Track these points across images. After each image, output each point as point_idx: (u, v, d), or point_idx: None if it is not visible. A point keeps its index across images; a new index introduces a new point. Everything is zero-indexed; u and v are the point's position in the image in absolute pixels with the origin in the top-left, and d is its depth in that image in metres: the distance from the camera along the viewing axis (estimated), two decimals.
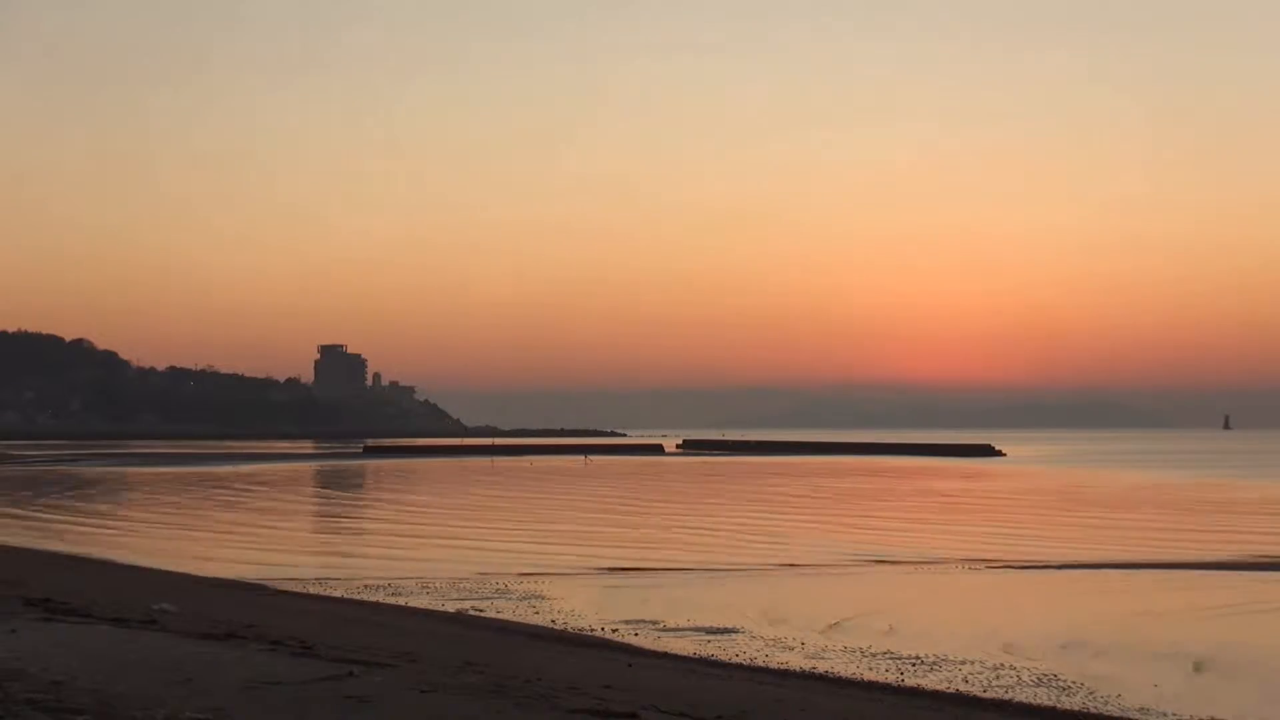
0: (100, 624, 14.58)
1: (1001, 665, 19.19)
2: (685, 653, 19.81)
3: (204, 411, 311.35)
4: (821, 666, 18.95)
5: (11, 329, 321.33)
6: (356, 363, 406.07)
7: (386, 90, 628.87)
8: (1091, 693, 17.36)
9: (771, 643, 21.03)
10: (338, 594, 26.33)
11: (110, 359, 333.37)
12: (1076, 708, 16.45)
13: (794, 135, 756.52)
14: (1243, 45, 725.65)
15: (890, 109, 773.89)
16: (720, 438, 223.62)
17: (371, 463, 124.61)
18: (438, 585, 28.25)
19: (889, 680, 17.98)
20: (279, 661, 12.36)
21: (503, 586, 28.10)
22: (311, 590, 26.98)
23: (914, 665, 19.19)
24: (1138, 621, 24.11)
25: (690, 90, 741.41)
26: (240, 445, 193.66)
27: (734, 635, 21.76)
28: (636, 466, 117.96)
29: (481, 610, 24.19)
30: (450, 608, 24.48)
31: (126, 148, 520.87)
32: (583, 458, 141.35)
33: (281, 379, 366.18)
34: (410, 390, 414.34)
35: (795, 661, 19.38)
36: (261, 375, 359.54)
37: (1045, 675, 18.46)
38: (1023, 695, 17.14)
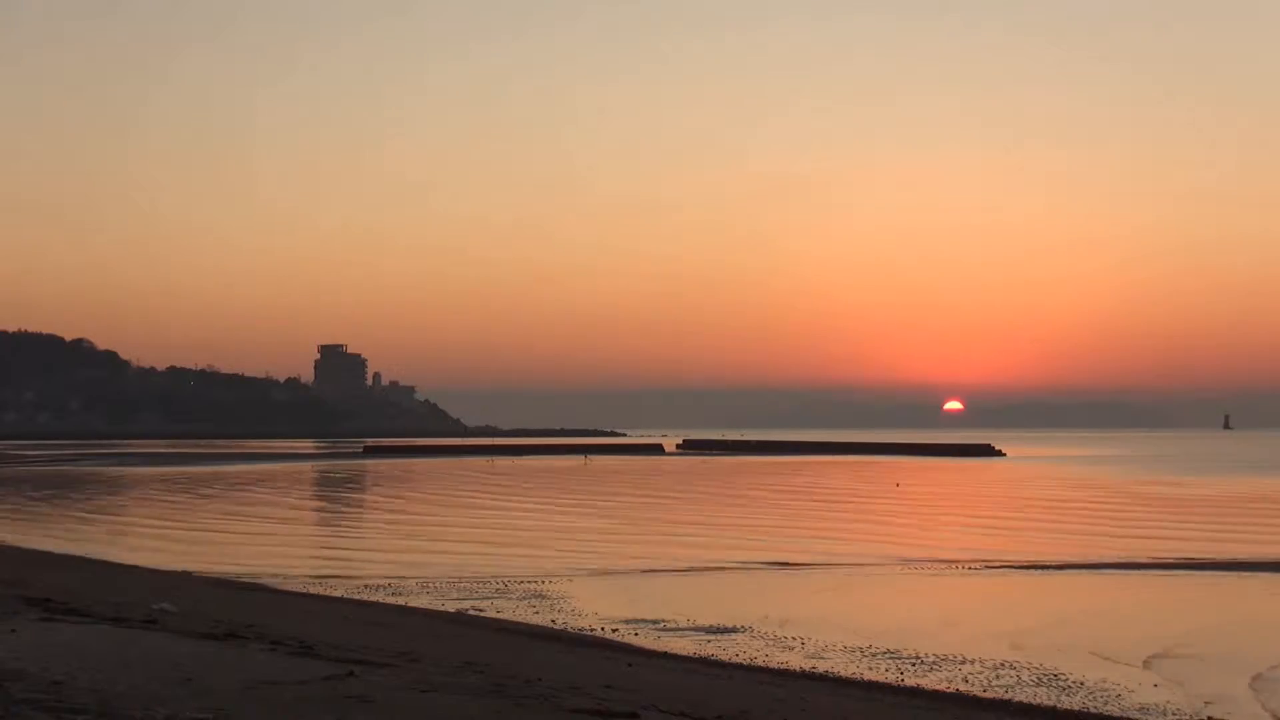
0: (100, 624, 14.58)
1: (1002, 665, 19.21)
2: (685, 652, 19.82)
3: (204, 411, 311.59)
4: (821, 666, 18.97)
5: (11, 329, 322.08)
6: (356, 363, 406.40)
7: (386, 90, 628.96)
8: (1091, 693, 17.38)
9: (772, 642, 21.05)
10: (338, 594, 26.34)
11: (110, 359, 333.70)
12: (1076, 708, 16.46)
13: (790, 136, 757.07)
14: (1224, 34, 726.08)
15: (886, 108, 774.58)
16: (720, 438, 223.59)
17: (371, 462, 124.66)
18: (438, 585, 28.27)
19: (889, 680, 17.99)
20: (279, 661, 12.36)
21: (503, 586, 28.11)
22: (311, 590, 26.99)
23: (914, 665, 19.20)
24: (1136, 621, 24.11)
25: (707, 90, 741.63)
26: (240, 445, 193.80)
27: (734, 635, 21.77)
28: (636, 466, 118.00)
29: (481, 610, 24.21)
30: (450, 608, 24.50)
31: (126, 148, 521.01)
32: (583, 457, 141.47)
33: (281, 379, 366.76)
34: (410, 390, 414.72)
35: (795, 661, 19.39)
36: (261, 375, 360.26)
37: (1045, 675, 18.48)
38: (1023, 695, 17.15)
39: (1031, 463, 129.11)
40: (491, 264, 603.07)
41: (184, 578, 28.02)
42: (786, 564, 33.68)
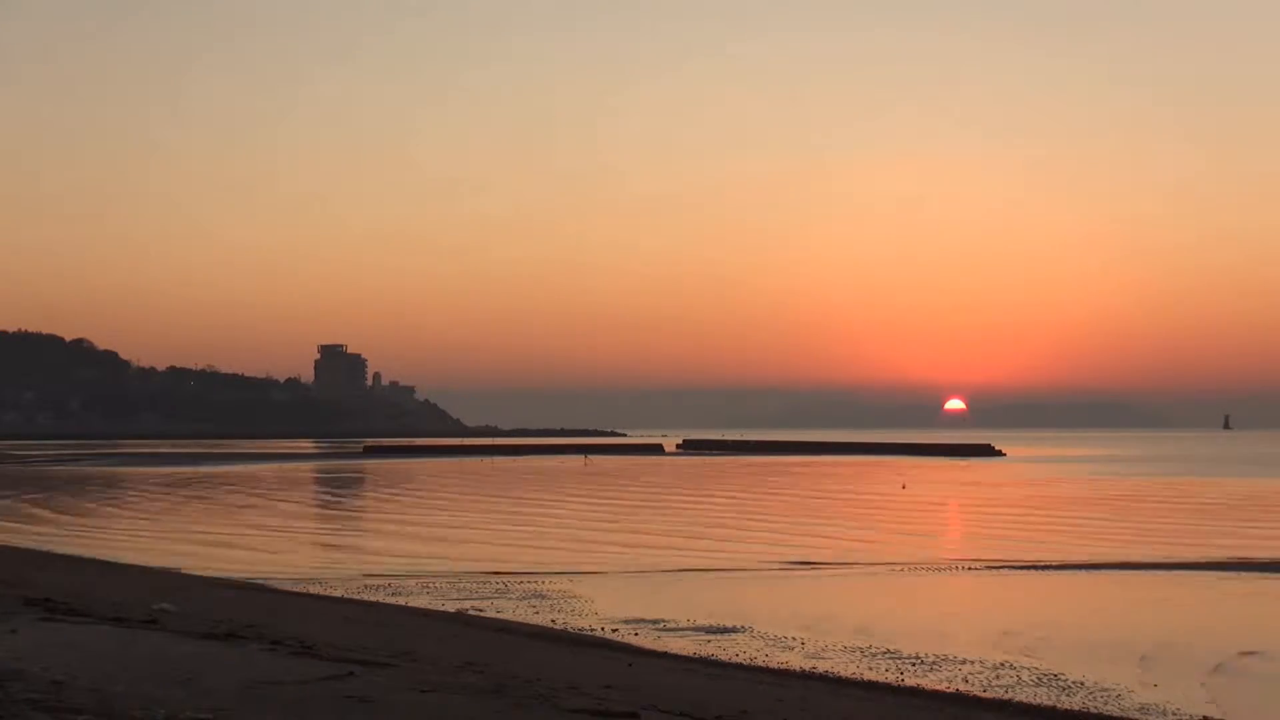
0: (100, 624, 14.58)
1: (1002, 665, 19.20)
2: (685, 652, 19.81)
3: (204, 411, 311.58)
4: (821, 666, 18.95)
5: (11, 329, 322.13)
6: (356, 363, 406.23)
7: (386, 89, 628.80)
8: (1091, 693, 17.37)
9: (771, 642, 21.04)
10: (338, 594, 26.33)
11: (110, 359, 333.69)
12: (1076, 707, 16.45)
13: (791, 135, 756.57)
14: (1246, 56, 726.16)
15: (889, 108, 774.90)
16: (720, 438, 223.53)
17: (371, 463, 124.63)
18: (438, 585, 28.26)
19: (889, 680, 17.98)
20: (279, 661, 12.36)
21: (503, 586, 28.10)
22: (311, 590, 26.98)
23: (914, 665, 19.19)
24: (1136, 621, 24.11)
25: (717, 97, 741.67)
26: (240, 445, 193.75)
27: (734, 635, 21.76)
28: (636, 466, 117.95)
29: (481, 610, 24.20)
30: (450, 608, 24.48)
31: (126, 147, 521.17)
32: (583, 457, 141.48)
33: (281, 379, 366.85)
34: (410, 390, 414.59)
35: (795, 661, 19.39)
36: (261, 375, 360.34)
37: (1045, 675, 18.46)
38: (1023, 695, 17.14)
39: (1031, 463, 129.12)
40: (491, 264, 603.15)
41: (184, 578, 28.01)
42: (786, 565, 33.68)
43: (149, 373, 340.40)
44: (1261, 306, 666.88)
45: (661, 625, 22.72)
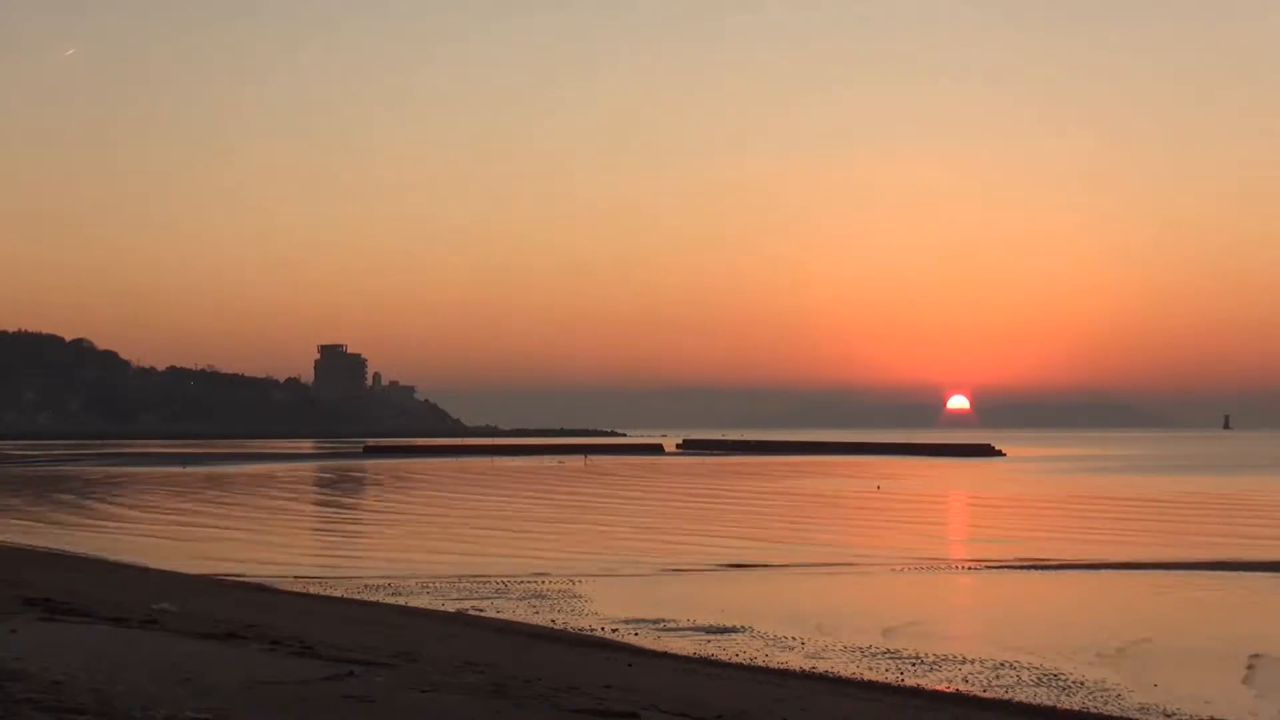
0: (100, 624, 14.59)
1: (1002, 665, 19.19)
2: (685, 653, 19.81)
3: (204, 411, 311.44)
4: (821, 666, 18.95)
5: (11, 329, 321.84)
6: (356, 363, 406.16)
7: (386, 91, 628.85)
8: (1091, 693, 17.37)
9: (771, 642, 21.03)
10: (338, 594, 26.33)
11: (110, 359, 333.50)
12: (1076, 707, 16.45)
13: (792, 135, 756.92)
14: (1237, 43, 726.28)
15: (887, 109, 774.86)
16: (720, 438, 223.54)
17: (371, 463, 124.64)
18: (438, 585, 28.25)
19: (889, 680, 17.98)
20: (279, 661, 12.36)
21: (503, 586, 28.10)
22: (311, 590, 26.98)
23: (914, 665, 19.18)
24: (1136, 621, 24.11)
25: (720, 106, 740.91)
26: (240, 445, 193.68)
27: (734, 635, 21.76)
28: (636, 466, 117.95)
29: (481, 610, 24.20)
30: (450, 608, 24.48)
31: (126, 148, 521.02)
32: (583, 457, 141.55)
33: (281, 379, 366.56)
34: (410, 390, 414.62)
35: (795, 661, 19.38)
36: (261, 375, 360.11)
37: (1045, 675, 18.46)
38: (1023, 695, 17.13)
39: (1030, 463, 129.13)
40: (491, 265, 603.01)
41: (184, 578, 28.02)
42: (785, 565, 33.68)
43: (149, 373, 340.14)
44: (1261, 306, 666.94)
45: (661, 625, 22.71)
